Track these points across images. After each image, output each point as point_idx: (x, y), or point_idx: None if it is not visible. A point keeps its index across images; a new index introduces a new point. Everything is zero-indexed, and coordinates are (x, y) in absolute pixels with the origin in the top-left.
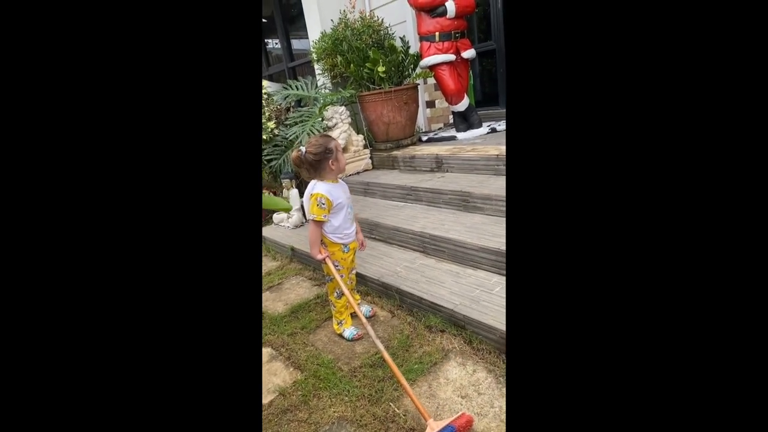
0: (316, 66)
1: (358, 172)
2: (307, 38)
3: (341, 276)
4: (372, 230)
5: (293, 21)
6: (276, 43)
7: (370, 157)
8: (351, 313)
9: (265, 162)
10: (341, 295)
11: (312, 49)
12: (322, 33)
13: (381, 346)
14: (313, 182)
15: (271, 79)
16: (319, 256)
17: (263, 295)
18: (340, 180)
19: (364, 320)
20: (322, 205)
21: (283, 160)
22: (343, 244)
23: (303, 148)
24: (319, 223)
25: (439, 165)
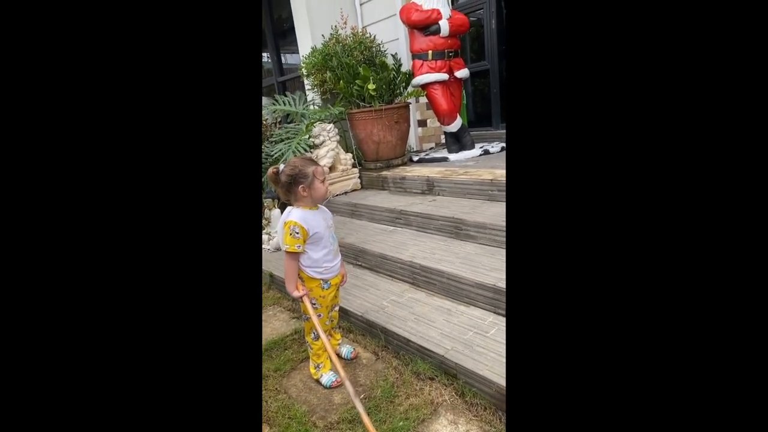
0: (305, 81)
1: (345, 192)
2: (298, 53)
3: (319, 315)
4: (358, 257)
5: (284, 35)
6: (266, 58)
7: (359, 177)
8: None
9: None
10: (318, 336)
11: (302, 64)
12: (312, 48)
13: (361, 408)
14: (289, 208)
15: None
16: (296, 294)
17: None
18: (321, 207)
19: (342, 374)
20: (296, 235)
21: (267, 179)
22: (322, 280)
23: (281, 166)
24: (294, 255)
25: (430, 188)
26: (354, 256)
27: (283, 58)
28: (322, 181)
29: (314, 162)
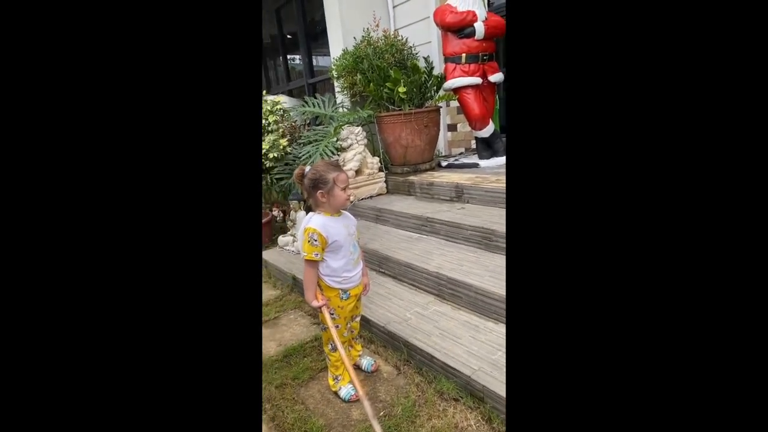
0: (335, 83)
1: (371, 196)
2: (329, 55)
3: (337, 327)
4: (381, 264)
5: (316, 38)
6: (298, 60)
7: (385, 181)
8: (354, 363)
9: (275, 180)
10: (336, 348)
11: (332, 66)
12: (343, 50)
13: (379, 430)
14: (311, 213)
15: (291, 94)
16: (315, 303)
17: None
18: (345, 213)
19: (360, 392)
20: (314, 242)
21: (293, 179)
22: (341, 290)
23: (308, 168)
24: (313, 263)
25: (459, 195)
26: (378, 263)
27: (314, 60)
28: (343, 189)
29: (338, 168)
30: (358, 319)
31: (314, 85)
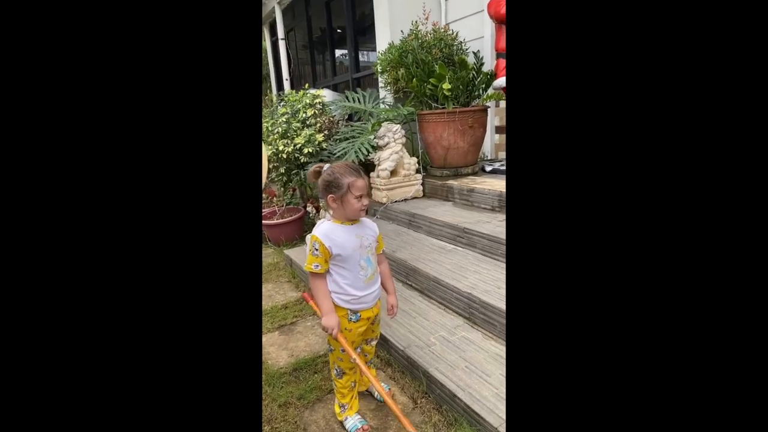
0: (379, 79)
1: (405, 199)
2: (376, 51)
3: (343, 351)
4: (409, 276)
5: (364, 32)
6: (344, 55)
7: (422, 184)
8: (366, 389)
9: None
10: (342, 374)
11: (377, 61)
12: (389, 44)
13: None
14: (322, 218)
15: (335, 88)
16: (334, 321)
17: (272, 335)
18: (363, 221)
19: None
20: (315, 252)
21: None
22: (350, 310)
23: (327, 166)
24: (317, 276)
25: (502, 205)
26: (405, 274)
27: (361, 56)
28: (359, 198)
29: (357, 173)
30: (373, 343)
31: (359, 80)
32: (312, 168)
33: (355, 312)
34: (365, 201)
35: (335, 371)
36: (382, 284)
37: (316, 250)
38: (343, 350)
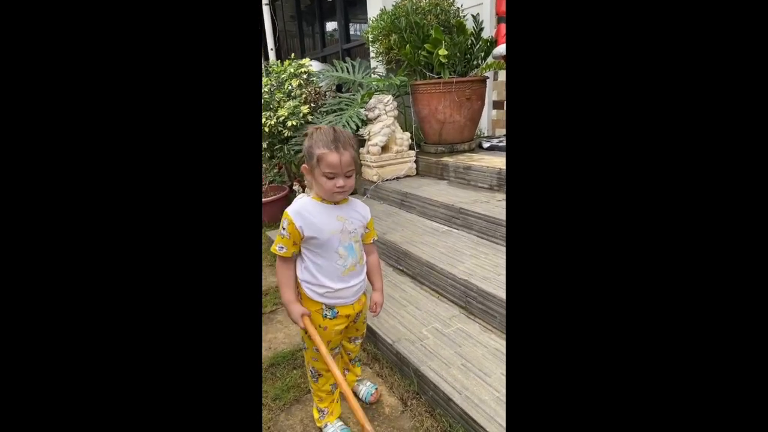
0: (370, 48)
1: (397, 178)
2: (367, 22)
3: (315, 350)
4: (399, 260)
5: (355, 3)
6: (335, 30)
7: (415, 161)
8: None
9: (294, 152)
10: (318, 376)
11: (368, 29)
12: (381, 10)
13: None
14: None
15: (324, 60)
16: (296, 312)
17: None
18: (352, 200)
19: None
20: (282, 232)
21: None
22: (325, 305)
23: (326, 126)
24: (284, 260)
25: (501, 183)
26: (396, 258)
27: (351, 29)
28: (330, 177)
29: (335, 145)
30: (358, 341)
31: (349, 50)
32: (310, 129)
33: (330, 307)
34: (339, 182)
35: (310, 372)
36: (369, 279)
37: (284, 229)
38: (306, 347)
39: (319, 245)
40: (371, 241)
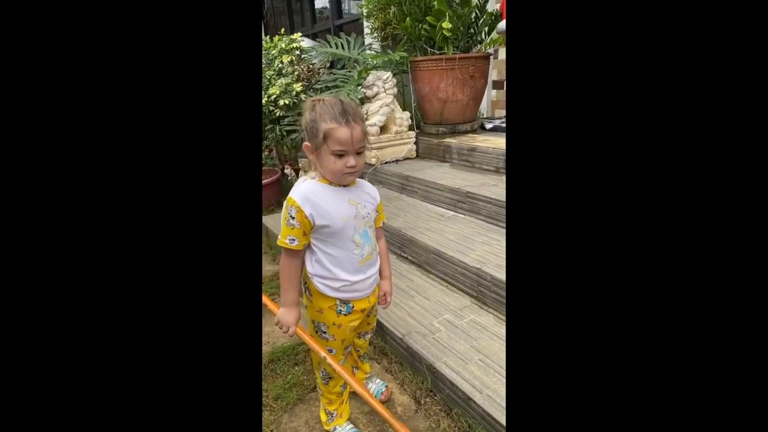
0: (365, 24)
1: (397, 160)
2: None
3: (330, 351)
4: (404, 247)
5: None
6: (324, 5)
7: (416, 142)
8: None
9: (286, 133)
10: (329, 378)
11: (363, 1)
12: None
13: None
14: (304, 176)
15: (314, 37)
16: (293, 318)
17: None
18: (360, 182)
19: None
20: (291, 221)
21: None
22: (340, 300)
23: (327, 98)
24: (291, 253)
25: None
26: (400, 245)
27: (344, 4)
28: (340, 156)
29: (344, 118)
30: (368, 336)
31: (341, 27)
32: (308, 101)
33: (345, 302)
34: (351, 161)
35: (321, 374)
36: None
37: (293, 218)
38: (331, 350)
39: (332, 234)
40: (381, 225)
